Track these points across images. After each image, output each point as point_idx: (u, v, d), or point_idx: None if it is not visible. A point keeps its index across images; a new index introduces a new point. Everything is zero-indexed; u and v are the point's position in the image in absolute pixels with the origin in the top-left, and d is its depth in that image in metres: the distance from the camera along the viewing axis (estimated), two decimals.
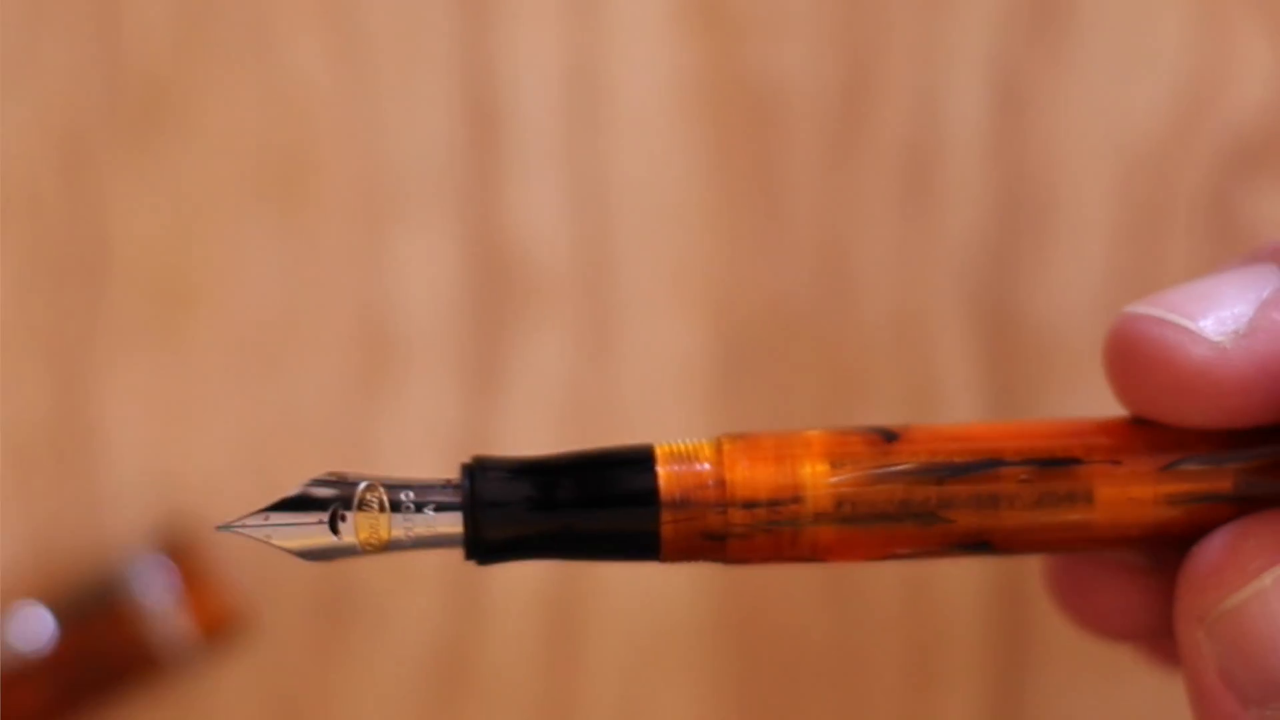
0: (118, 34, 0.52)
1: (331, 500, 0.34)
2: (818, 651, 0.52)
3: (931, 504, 0.34)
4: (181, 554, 0.50)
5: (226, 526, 0.35)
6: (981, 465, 0.34)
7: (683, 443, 0.34)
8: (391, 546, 0.34)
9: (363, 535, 0.34)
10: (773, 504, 0.34)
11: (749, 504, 0.34)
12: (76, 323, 0.52)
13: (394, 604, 0.52)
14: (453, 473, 0.52)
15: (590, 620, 0.52)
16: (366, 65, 0.52)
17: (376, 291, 0.52)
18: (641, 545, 0.34)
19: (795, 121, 0.52)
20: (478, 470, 0.34)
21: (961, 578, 0.52)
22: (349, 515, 0.34)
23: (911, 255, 0.52)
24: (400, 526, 0.34)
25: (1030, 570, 0.52)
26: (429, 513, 0.34)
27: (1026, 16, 0.52)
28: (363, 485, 0.34)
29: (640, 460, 0.34)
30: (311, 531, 0.34)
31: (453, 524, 0.34)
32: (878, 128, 0.52)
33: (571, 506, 0.34)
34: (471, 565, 0.52)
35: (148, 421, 0.51)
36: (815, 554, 0.34)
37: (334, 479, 0.34)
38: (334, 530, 0.34)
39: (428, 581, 0.52)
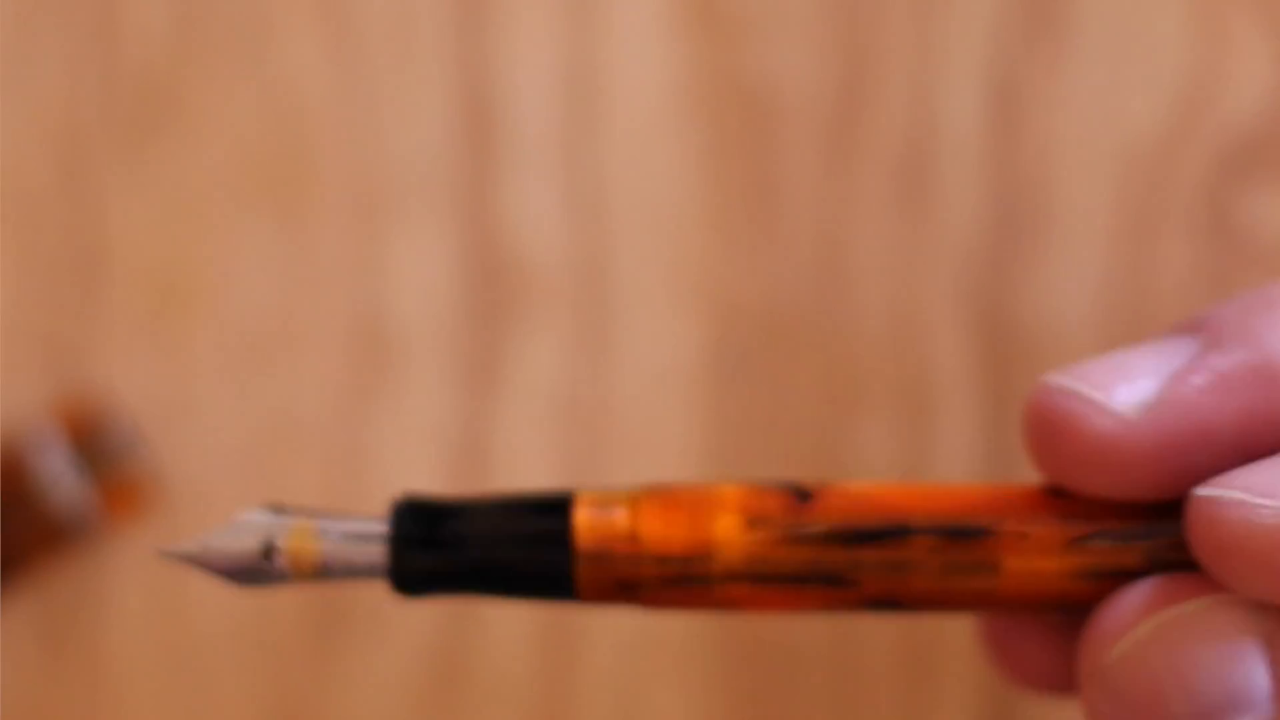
0: (115, 33, 0.52)
1: (266, 529, 0.36)
2: (813, 652, 0.52)
3: (840, 567, 0.35)
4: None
5: (164, 552, 0.37)
6: (890, 532, 0.35)
7: (603, 491, 0.35)
8: (320, 575, 0.36)
9: (293, 565, 0.36)
10: (685, 560, 0.35)
11: (662, 559, 0.35)
12: (72, 322, 0.52)
13: (389, 605, 0.52)
14: (447, 473, 0.52)
15: (585, 621, 0.52)
16: (363, 65, 0.52)
17: (373, 291, 0.52)
18: (558, 589, 0.35)
19: (791, 122, 0.52)
20: (404, 508, 0.36)
21: None
22: (281, 544, 0.36)
23: (908, 256, 0.52)
24: (330, 554, 0.35)
25: None
26: (358, 545, 0.35)
27: (1022, 18, 0.52)
28: (296, 518, 0.36)
29: (558, 507, 0.35)
30: (245, 558, 0.37)
31: (380, 557, 0.35)
32: (874, 129, 0.52)
33: (491, 548, 0.35)
34: None
35: (143, 420, 0.51)
36: (727, 607, 0.35)
37: (271, 508, 0.36)
38: (267, 557, 0.36)
39: None
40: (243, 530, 0.37)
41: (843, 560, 0.35)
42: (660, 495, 0.35)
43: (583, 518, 0.35)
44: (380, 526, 0.36)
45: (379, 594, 0.52)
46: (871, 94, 0.52)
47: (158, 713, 0.52)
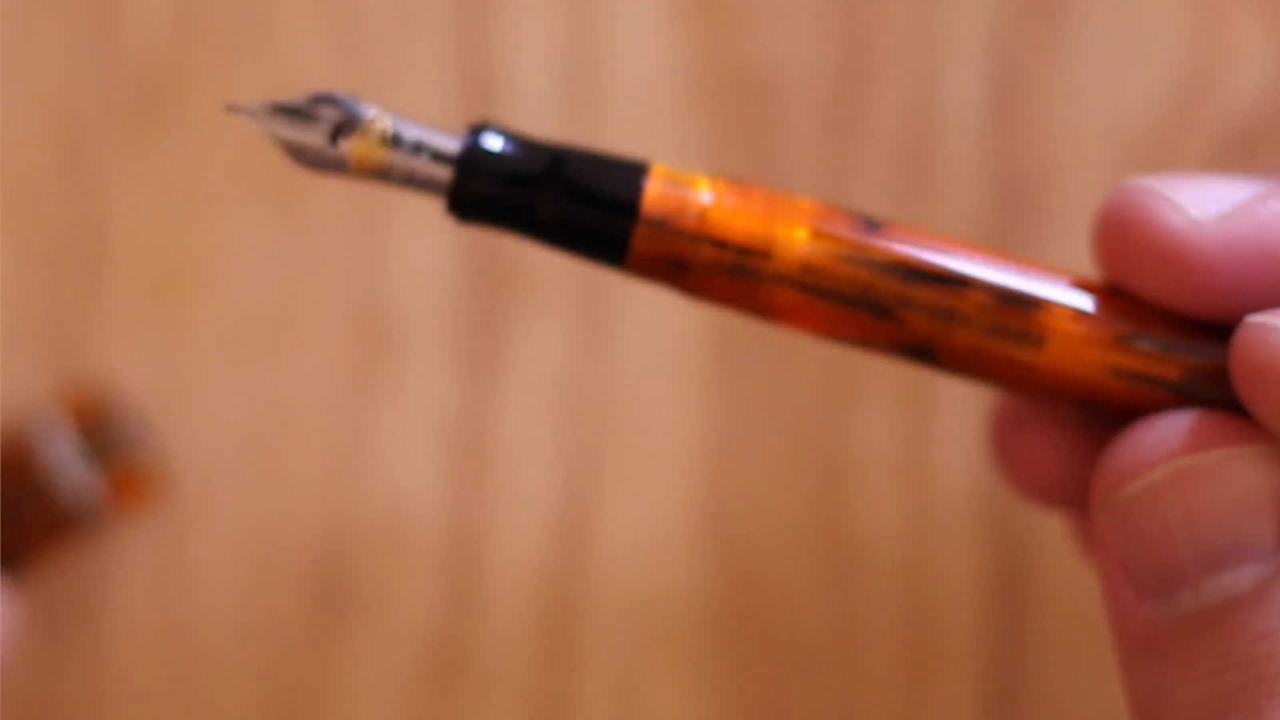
0: (115, 22, 0.52)
1: (340, 112, 0.35)
2: (814, 641, 0.52)
3: (890, 299, 0.35)
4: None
5: (235, 108, 0.36)
6: (948, 279, 0.35)
7: (682, 171, 0.35)
8: (380, 175, 0.35)
9: (356, 155, 0.35)
10: (742, 251, 0.35)
11: (720, 243, 0.35)
12: (74, 310, 0.52)
13: (389, 593, 0.52)
14: (448, 459, 0.52)
15: (586, 609, 0.52)
16: (363, 52, 0.52)
17: (374, 278, 0.52)
18: (609, 248, 0.35)
19: (792, 108, 0.52)
20: (482, 130, 0.35)
21: (959, 568, 0.52)
22: (351, 133, 0.35)
23: None
24: (394, 159, 0.35)
25: (1028, 563, 0.52)
26: (424, 157, 0.35)
27: (1023, 4, 0.52)
28: (372, 111, 0.35)
29: (635, 170, 0.35)
30: (311, 134, 0.35)
31: (442, 172, 0.35)
32: (874, 115, 0.52)
33: (558, 189, 0.34)
34: (466, 555, 0.52)
35: (146, 407, 0.51)
36: (769, 312, 0.35)
37: (347, 96, 0.35)
38: (333, 141, 0.35)
39: (423, 570, 0.52)
40: (319, 106, 0.35)
41: (895, 292, 0.35)
42: (737, 184, 0.35)
43: (655, 184, 0.35)
44: (454, 144, 0.34)
45: (376, 581, 0.52)
46: (872, 78, 0.52)
47: (161, 699, 0.52)
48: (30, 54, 0.51)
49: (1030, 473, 0.40)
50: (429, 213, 0.52)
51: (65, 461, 0.49)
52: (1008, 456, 0.40)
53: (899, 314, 0.35)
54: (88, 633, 0.52)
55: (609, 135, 0.52)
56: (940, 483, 0.52)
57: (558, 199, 0.34)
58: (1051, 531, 0.52)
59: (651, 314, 0.52)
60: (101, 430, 0.50)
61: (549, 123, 0.52)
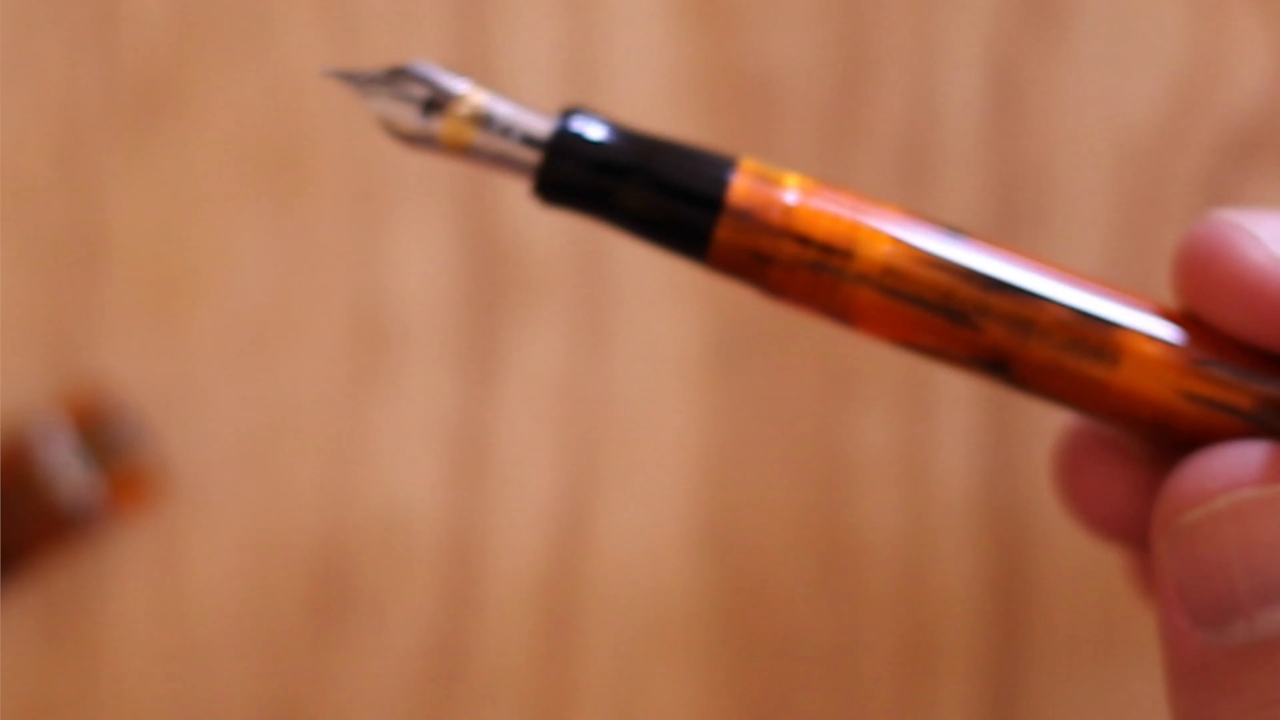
0: (115, 23, 0.52)
1: (433, 88, 0.35)
2: (813, 640, 0.52)
3: (969, 306, 0.35)
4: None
5: (332, 71, 0.35)
6: (1029, 292, 0.35)
7: (771, 167, 0.35)
8: (469, 153, 0.35)
9: (447, 132, 0.35)
10: (826, 248, 0.34)
11: (804, 240, 0.35)
12: (74, 310, 0.52)
13: (388, 594, 0.52)
14: (447, 460, 0.52)
15: (585, 610, 0.52)
16: (363, 55, 0.52)
17: (373, 281, 0.52)
18: (693, 239, 0.35)
19: (791, 111, 0.52)
20: (573, 114, 0.35)
21: (957, 569, 0.52)
22: (443, 108, 0.35)
23: None
24: (485, 138, 0.35)
25: (1027, 564, 0.52)
26: (514, 138, 0.35)
27: (1023, 6, 0.52)
28: (466, 87, 0.35)
29: (723, 163, 0.35)
30: (403, 107, 0.35)
31: (530, 154, 0.35)
32: (874, 118, 0.52)
33: (645, 178, 0.34)
34: (465, 556, 0.52)
35: (144, 407, 0.51)
36: (846, 313, 0.35)
37: (443, 72, 0.35)
38: (425, 114, 0.35)
39: (422, 571, 0.52)
40: (413, 78, 0.35)
41: (974, 299, 0.35)
42: (825, 184, 0.35)
43: (743, 178, 0.35)
44: (545, 127, 0.34)
45: (376, 584, 0.52)
46: (871, 79, 0.52)
47: (159, 699, 0.52)
48: (30, 54, 0.51)
49: (1094, 505, 0.40)
50: (429, 213, 0.52)
51: (64, 462, 0.49)
52: (1072, 487, 0.40)
53: (977, 321, 0.35)
54: (87, 633, 0.52)
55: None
56: (939, 484, 0.52)
57: (644, 187, 0.34)
58: (1050, 533, 0.52)
59: (651, 315, 0.52)
60: (101, 431, 0.50)
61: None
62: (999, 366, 0.35)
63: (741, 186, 0.35)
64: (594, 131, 0.35)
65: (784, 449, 0.52)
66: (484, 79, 0.52)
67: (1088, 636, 0.52)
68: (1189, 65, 0.52)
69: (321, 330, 0.52)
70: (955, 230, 0.35)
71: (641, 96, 0.52)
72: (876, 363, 0.52)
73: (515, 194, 0.52)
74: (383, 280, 0.52)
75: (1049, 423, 0.52)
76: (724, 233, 0.35)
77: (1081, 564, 0.52)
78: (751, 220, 0.35)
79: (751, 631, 0.52)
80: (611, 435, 0.52)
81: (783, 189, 0.35)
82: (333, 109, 0.52)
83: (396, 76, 0.35)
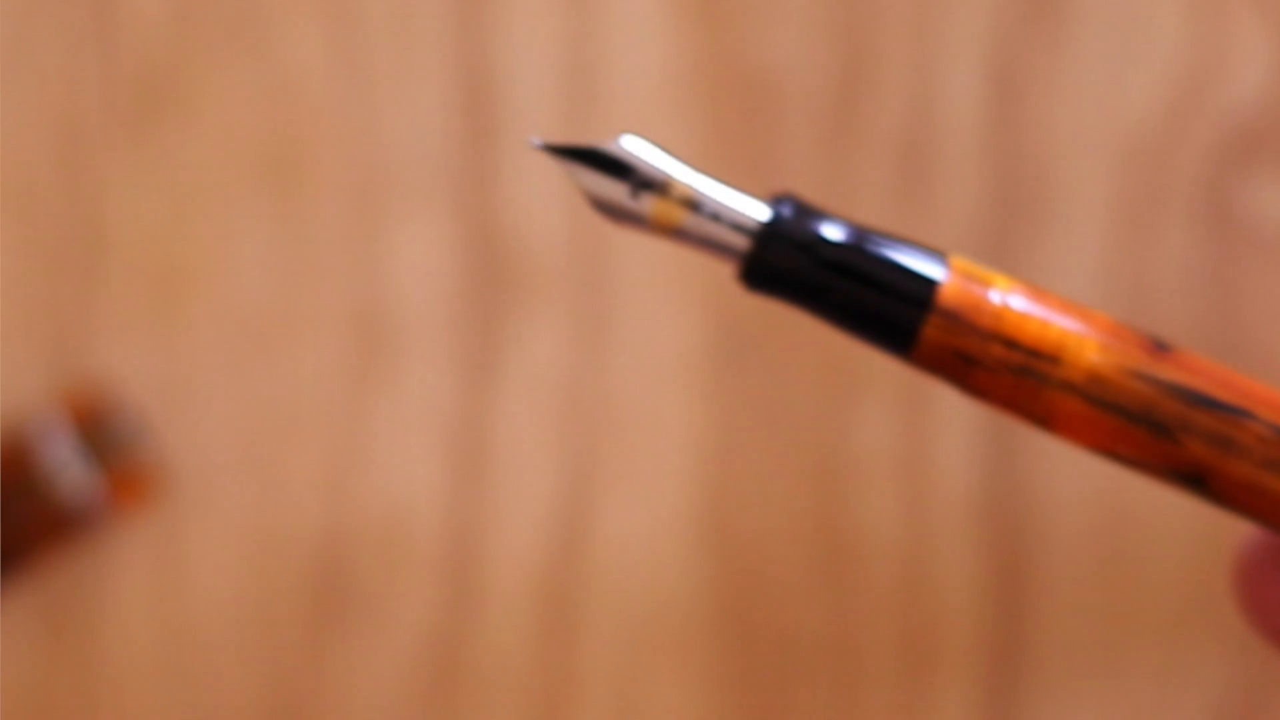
0: (114, 24, 0.52)
1: (643, 170, 0.35)
2: (812, 638, 0.52)
3: (1172, 420, 0.35)
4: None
5: (541, 143, 0.35)
6: (1233, 409, 0.35)
7: (980, 266, 0.35)
8: (677, 235, 0.35)
9: (656, 213, 0.35)
10: (1032, 353, 0.34)
11: (1011, 344, 0.34)
12: (74, 310, 0.52)
13: (388, 592, 0.52)
14: (447, 459, 0.52)
15: (585, 607, 0.52)
16: (363, 54, 0.52)
17: (372, 280, 0.52)
18: (898, 335, 0.35)
19: (791, 110, 0.52)
20: (782, 203, 0.35)
21: (957, 568, 0.52)
22: (654, 189, 0.35)
23: None
24: (694, 222, 0.35)
25: (1027, 563, 0.52)
26: (723, 224, 0.34)
27: (1023, 6, 0.52)
28: (676, 168, 0.35)
29: (934, 259, 0.35)
30: (613, 186, 0.35)
31: (739, 240, 0.34)
32: (874, 116, 0.52)
33: (855, 271, 0.34)
34: (465, 554, 0.52)
35: (143, 406, 0.51)
36: (1046, 419, 0.35)
37: (653, 148, 0.35)
38: (633, 196, 0.35)
39: (422, 569, 0.52)
40: (625, 159, 0.35)
41: (1177, 414, 0.35)
42: (1033, 287, 0.35)
43: (953, 277, 0.34)
44: (754, 215, 0.34)
45: (375, 581, 0.52)
46: (871, 78, 0.52)
47: (159, 697, 0.52)
48: (30, 54, 0.51)
49: (1275, 615, 0.39)
50: (428, 213, 0.52)
51: (64, 461, 0.49)
52: (1252, 596, 0.40)
53: (1178, 436, 0.35)
54: (86, 631, 0.52)
55: (608, 136, 0.52)
56: (939, 483, 0.52)
57: (853, 280, 0.34)
58: (1050, 533, 0.52)
59: (650, 315, 0.52)
60: (100, 430, 0.50)
61: (549, 124, 0.52)
62: (1197, 481, 0.35)
63: (952, 286, 0.34)
64: (804, 222, 0.35)
65: (784, 447, 0.52)
66: (484, 79, 0.52)
67: (1087, 634, 0.52)
68: (1189, 65, 0.52)
69: (321, 329, 0.52)
70: (1162, 342, 0.35)
71: (641, 96, 0.52)
72: (877, 363, 0.52)
73: (515, 193, 0.52)
74: (382, 279, 0.52)
75: None
76: (931, 332, 0.34)
77: (1081, 562, 0.52)
78: (960, 321, 0.34)
79: (751, 629, 0.52)
80: (611, 434, 0.52)
81: (992, 289, 0.35)
82: (333, 107, 0.52)
83: (607, 154, 0.35)
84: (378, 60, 0.52)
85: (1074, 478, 0.52)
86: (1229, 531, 0.52)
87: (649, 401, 0.52)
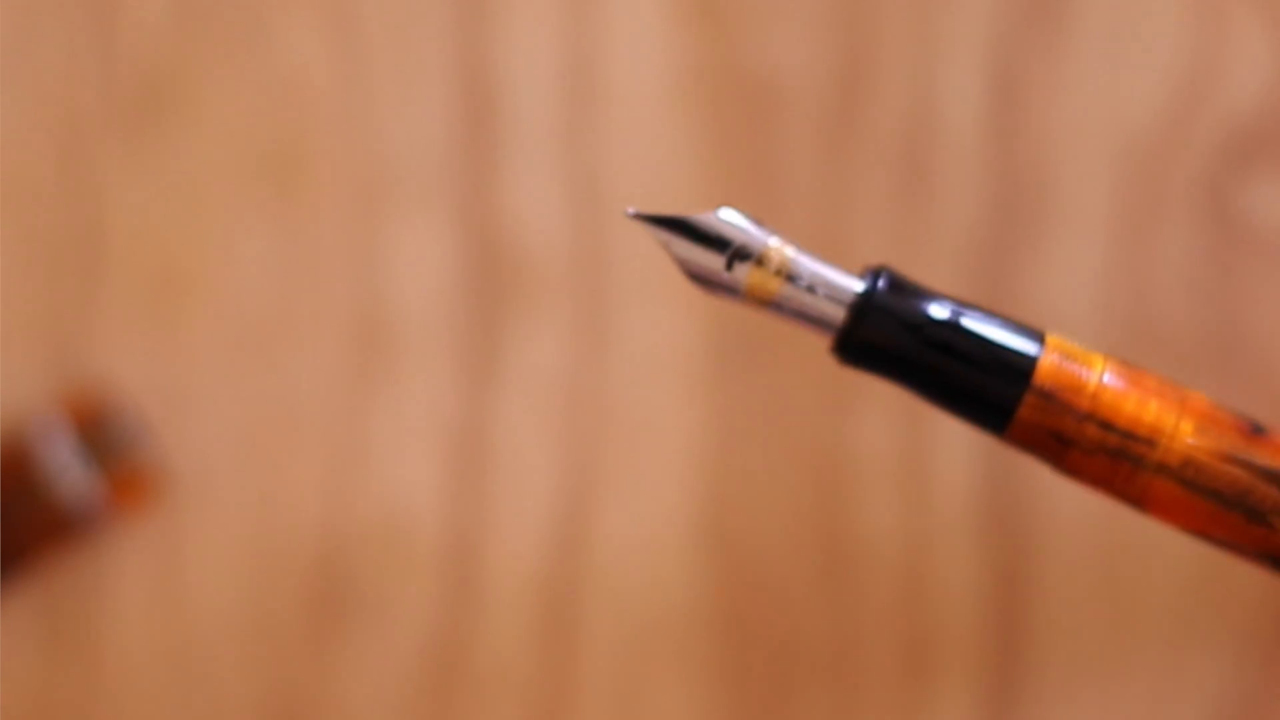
0: (113, 25, 0.51)
1: (739, 241, 0.35)
2: (813, 645, 0.52)
3: (1267, 505, 0.34)
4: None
5: (638, 214, 0.35)
6: None
7: (1075, 345, 0.35)
8: (772, 306, 0.34)
9: (751, 284, 0.34)
10: (1128, 435, 0.34)
11: (1107, 425, 0.34)
12: (73, 311, 0.52)
13: (388, 594, 0.52)
14: (447, 460, 0.52)
15: (584, 609, 0.52)
16: (362, 56, 0.52)
17: (372, 281, 0.52)
18: (993, 414, 0.34)
19: (791, 113, 0.52)
20: (879, 275, 0.34)
21: (958, 572, 0.52)
22: (747, 263, 0.34)
23: (908, 246, 0.52)
24: (788, 293, 0.34)
25: (1027, 567, 0.52)
26: (819, 294, 0.34)
27: (1022, 8, 0.52)
28: (773, 240, 0.34)
29: (1031, 337, 0.34)
30: (708, 258, 0.35)
31: (835, 312, 0.34)
32: (873, 119, 0.52)
33: (951, 347, 0.34)
34: (465, 556, 0.52)
35: (143, 408, 0.51)
36: (1140, 500, 0.35)
37: (750, 221, 0.35)
38: (728, 267, 0.34)
39: (422, 571, 0.52)
40: (720, 230, 0.35)
41: (1273, 499, 0.34)
42: (1129, 366, 0.35)
43: (1049, 356, 0.34)
44: (853, 286, 0.34)
45: (378, 584, 0.52)
46: (871, 84, 0.52)
47: (159, 699, 0.52)
48: (30, 54, 0.51)
49: None
50: (428, 214, 0.52)
51: (64, 463, 0.49)
52: None
53: (1274, 521, 0.34)
54: (87, 633, 0.52)
55: (608, 138, 0.52)
56: (939, 487, 0.52)
57: (949, 357, 0.34)
58: (1051, 534, 0.52)
59: (651, 317, 0.52)
60: (100, 432, 0.50)
61: (549, 124, 0.52)
62: None
63: (1048, 365, 0.34)
64: (898, 293, 0.34)
65: (784, 450, 0.52)
66: (484, 79, 0.52)
67: (1087, 637, 0.52)
68: (1189, 66, 0.52)
69: (321, 330, 0.52)
70: (1258, 425, 0.35)
71: (641, 97, 0.52)
72: None
73: (515, 195, 0.52)
74: (382, 281, 0.52)
75: None
76: (1027, 412, 0.34)
77: (1081, 564, 0.52)
78: (1056, 401, 0.34)
79: (751, 632, 0.52)
80: (611, 435, 0.52)
81: (1089, 368, 0.34)
82: (333, 109, 0.52)
83: (702, 226, 0.35)
84: (378, 61, 0.52)
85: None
86: None
87: (649, 403, 0.52)
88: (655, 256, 0.52)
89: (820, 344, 0.52)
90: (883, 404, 0.52)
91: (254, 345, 0.52)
